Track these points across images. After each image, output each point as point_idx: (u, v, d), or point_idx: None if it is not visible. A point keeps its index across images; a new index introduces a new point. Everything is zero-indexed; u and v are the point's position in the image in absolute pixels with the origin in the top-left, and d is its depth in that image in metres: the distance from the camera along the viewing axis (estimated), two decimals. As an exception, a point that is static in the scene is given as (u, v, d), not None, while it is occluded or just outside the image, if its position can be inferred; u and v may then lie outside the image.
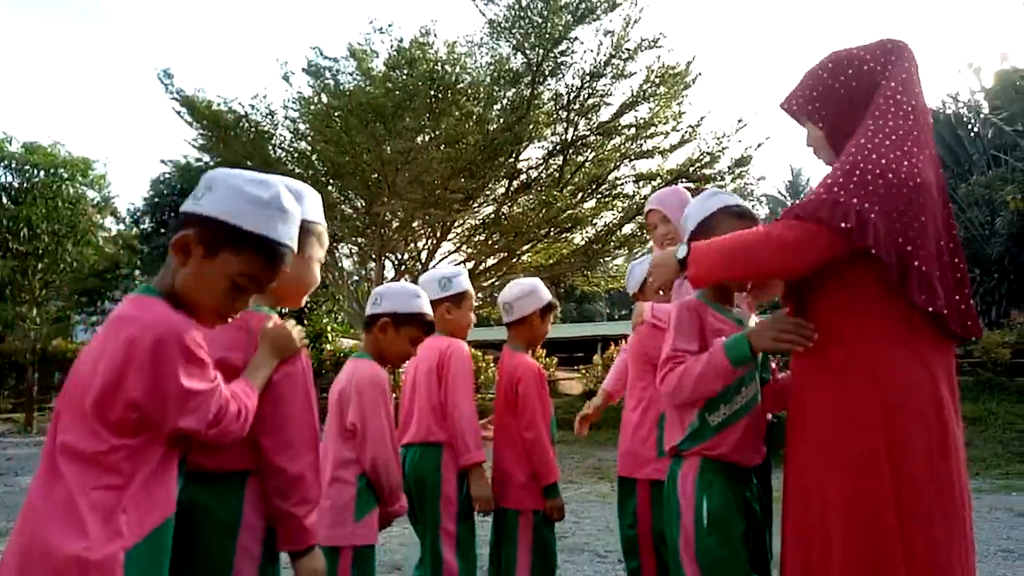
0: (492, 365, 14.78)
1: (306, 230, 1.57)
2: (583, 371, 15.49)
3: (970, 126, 21.46)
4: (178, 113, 14.28)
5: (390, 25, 14.10)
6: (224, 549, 1.44)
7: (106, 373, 1.19)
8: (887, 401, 1.52)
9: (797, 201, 1.70)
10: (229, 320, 1.37)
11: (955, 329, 1.56)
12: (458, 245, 16.10)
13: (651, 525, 2.48)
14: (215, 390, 1.28)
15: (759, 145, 14.67)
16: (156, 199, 20.69)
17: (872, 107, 1.62)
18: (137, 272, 21.08)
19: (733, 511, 1.81)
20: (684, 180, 14.60)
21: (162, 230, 20.37)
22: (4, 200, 18.74)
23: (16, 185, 19.04)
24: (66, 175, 19.36)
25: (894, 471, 1.49)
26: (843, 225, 1.51)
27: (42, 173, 19.12)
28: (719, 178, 14.67)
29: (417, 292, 2.41)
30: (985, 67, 24.43)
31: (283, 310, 1.79)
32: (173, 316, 1.25)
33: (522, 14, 13.15)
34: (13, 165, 19.19)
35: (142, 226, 21.41)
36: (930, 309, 1.51)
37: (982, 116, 21.06)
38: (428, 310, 2.39)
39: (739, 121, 14.39)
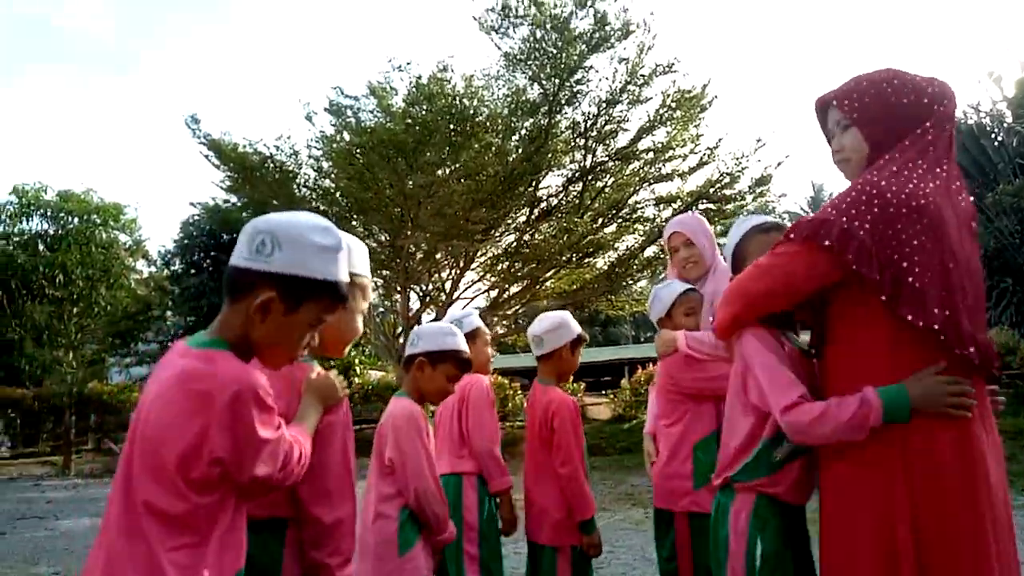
0: (519, 392, 14.77)
1: (352, 282, 1.61)
2: (611, 396, 15.40)
3: (993, 135, 21.20)
4: (205, 156, 14.67)
5: (408, 63, 14.35)
6: None
7: (186, 432, 1.21)
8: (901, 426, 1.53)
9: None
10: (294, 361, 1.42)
11: (956, 346, 1.53)
12: (481, 274, 16.21)
13: (691, 559, 2.46)
14: (282, 436, 1.32)
15: (779, 164, 14.62)
16: (186, 241, 21.12)
17: (903, 141, 1.64)
18: (168, 313, 21.47)
19: (786, 553, 1.74)
20: (704, 201, 14.61)
21: (192, 271, 20.74)
22: (40, 247, 19.31)
23: (52, 232, 19.61)
24: (99, 221, 19.91)
25: (908, 486, 1.51)
26: (826, 243, 1.55)
27: (76, 220, 19.69)
28: (739, 198, 14.65)
29: (452, 331, 2.47)
30: (1006, 76, 24.15)
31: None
32: (245, 368, 1.27)
33: (537, 46, 13.36)
34: (48, 213, 19.79)
35: (173, 268, 21.83)
36: (920, 324, 1.51)
37: (1005, 125, 20.80)
38: (463, 347, 2.45)
39: (758, 141, 14.38)
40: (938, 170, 1.61)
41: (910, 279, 1.52)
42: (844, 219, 1.55)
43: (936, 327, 1.51)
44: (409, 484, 2.23)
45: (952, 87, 1.70)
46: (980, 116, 21.53)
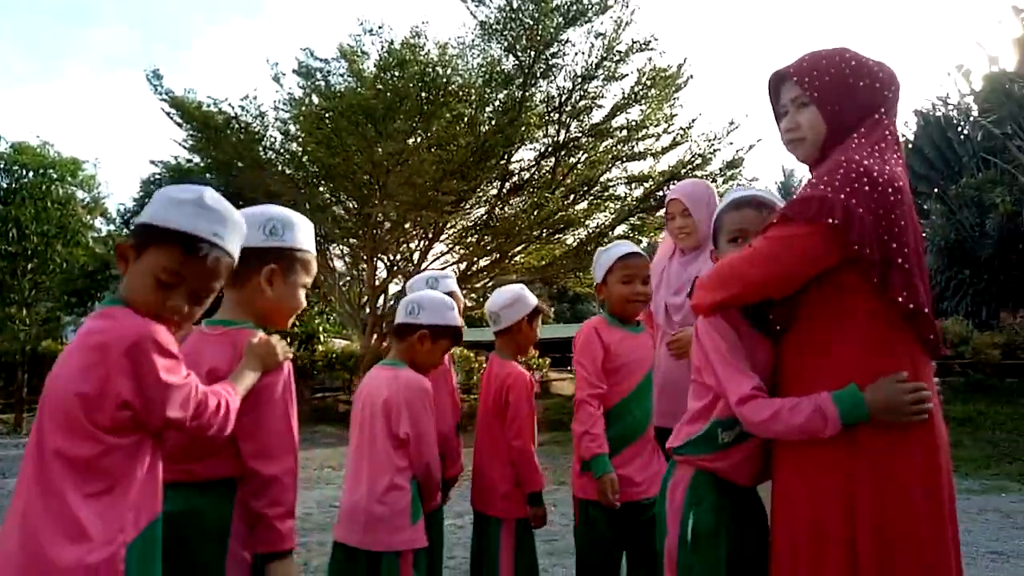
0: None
1: (293, 257, 1.67)
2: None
3: (960, 128, 21.61)
4: (167, 114, 14.22)
5: (380, 27, 13.95)
6: (214, 554, 1.51)
7: (88, 380, 1.27)
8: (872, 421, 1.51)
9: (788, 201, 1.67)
10: (183, 324, 1.44)
11: (928, 334, 1.53)
12: (450, 246, 16.09)
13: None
14: (191, 383, 1.36)
15: (751, 147, 14.73)
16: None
17: (861, 125, 1.63)
18: (127, 273, 20.95)
19: (721, 531, 1.65)
20: (675, 182, 14.65)
21: (153, 231, 20.22)
22: (-8, 201, 18.61)
23: (4, 186, 18.90)
24: (56, 176, 19.23)
25: (872, 476, 1.50)
26: (830, 221, 1.48)
27: (31, 174, 18.99)
28: (711, 180, 14.71)
29: (451, 304, 2.48)
30: (974, 70, 24.52)
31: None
32: (143, 320, 1.33)
33: (513, 16, 13.15)
34: (1, 166, 19.06)
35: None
36: (911, 306, 1.49)
37: (971, 119, 21.20)
38: (459, 321, 2.49)
39: (730, 123, 14.44)
40: (897, 155, 1.61)
41: (899, 260, 1.50)
42: (843, 196, 1.49)
43: (926, 309, 1.50)
44: (423, 459, 2.32)
45: (897, 73, 1.67)
46: (948, 108, 21.91)
